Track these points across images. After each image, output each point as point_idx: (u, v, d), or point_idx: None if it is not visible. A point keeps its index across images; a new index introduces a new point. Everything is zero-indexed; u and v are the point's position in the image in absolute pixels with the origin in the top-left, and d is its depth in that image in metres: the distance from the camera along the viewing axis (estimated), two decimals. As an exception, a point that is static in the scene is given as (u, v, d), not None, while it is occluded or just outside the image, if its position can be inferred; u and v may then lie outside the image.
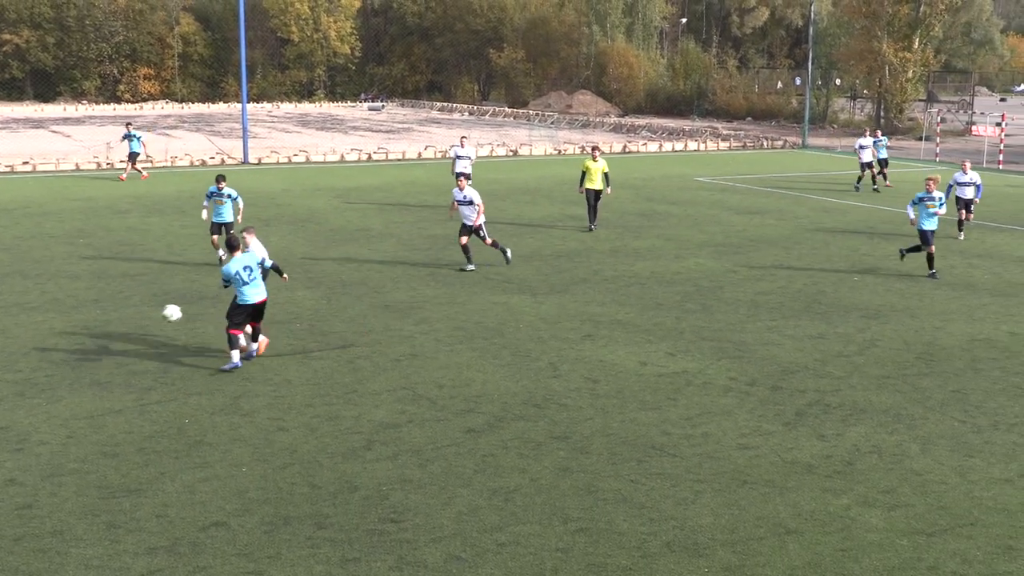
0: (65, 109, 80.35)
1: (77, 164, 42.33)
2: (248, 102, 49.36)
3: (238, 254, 15.62)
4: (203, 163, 44.40)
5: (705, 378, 15.29)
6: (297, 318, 18.51)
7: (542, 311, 19.18)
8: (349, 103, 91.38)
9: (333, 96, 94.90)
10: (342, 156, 47.07)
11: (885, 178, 37.32)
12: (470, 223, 22.42)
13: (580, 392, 14.62)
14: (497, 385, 14.91)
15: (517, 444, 12.66)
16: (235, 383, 14.90)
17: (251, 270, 15.52)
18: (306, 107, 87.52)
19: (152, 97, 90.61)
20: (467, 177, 31.17)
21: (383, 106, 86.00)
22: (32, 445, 12.57)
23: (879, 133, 37.77)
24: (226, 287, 16.08)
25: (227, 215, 22.71)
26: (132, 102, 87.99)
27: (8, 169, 40.95)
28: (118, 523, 10.52)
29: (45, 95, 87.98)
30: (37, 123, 65.92)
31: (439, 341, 17.17)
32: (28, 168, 41.29)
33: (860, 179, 37.00)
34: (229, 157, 45.65)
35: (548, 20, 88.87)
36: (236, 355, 15.51)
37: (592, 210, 27.72)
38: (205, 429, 13.14)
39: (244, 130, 46.14)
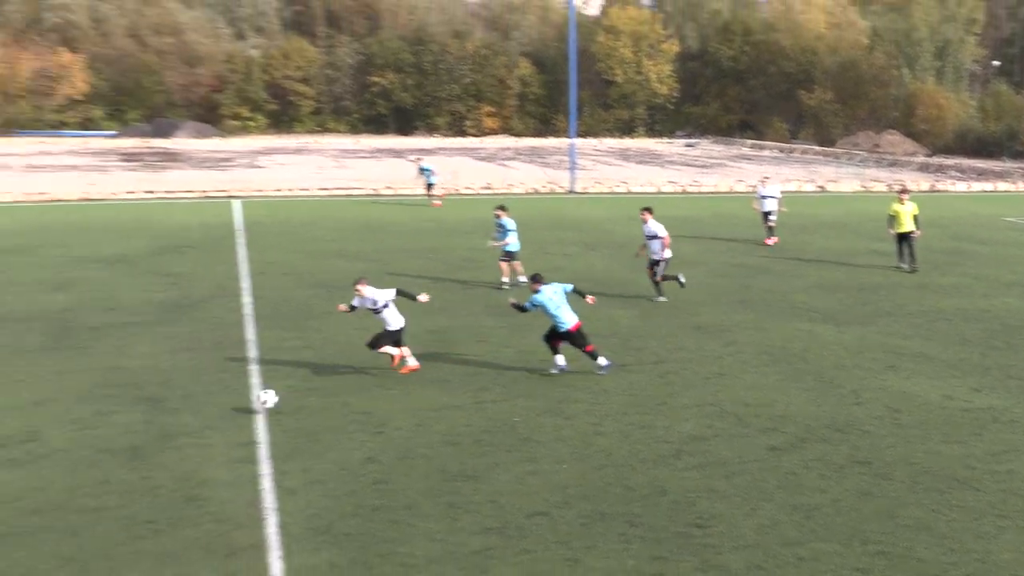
0: (420, 141, 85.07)
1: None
2: (575, 137, 50.46)
3: (541, 286, 15.83)
4: (535, 191, 45.77)
5: (1012, 416, 14.23)
6: (615, 334, 18.75)
7: (845, 340, 18.48)
8: (666, 139, 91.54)
9: (651, 132, 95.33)
10: (659, 188, 47.22)
11: None
12: (656, 257, 21.56)
13: (882, 420, 13.98)
14: (800, 408, 14.51)
15: (819, 465, 12.27)
16: (558, 389, 15.28)
17: (560, 295, 15.81)
18: (626, 142, 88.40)
19: (493, 132, 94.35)
20: (770, 215, 30.33)
21: (697, 143, 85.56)
22: (389, 430, 13.41)
23: None
24: (523, 311, 16.29)
25: (512, 244, 23.11)
26: (476, 136, 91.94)
27: (373, 192, 43.84)
28: (457, 504, 11.05)
29: (404, 129, 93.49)
30: (397, 153, 70.15)
31: (746, 363, 16.90)
32: (390, 192, 44.05)
33: None
34: (558, 187, 46.82)
35: (858, 63, 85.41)
36: (559, 359, 15.92)
37: (901, 248, 26.13)
38: (532, 428, 13.56)
39: (572, 162, 47.21)
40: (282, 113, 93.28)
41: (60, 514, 10.75)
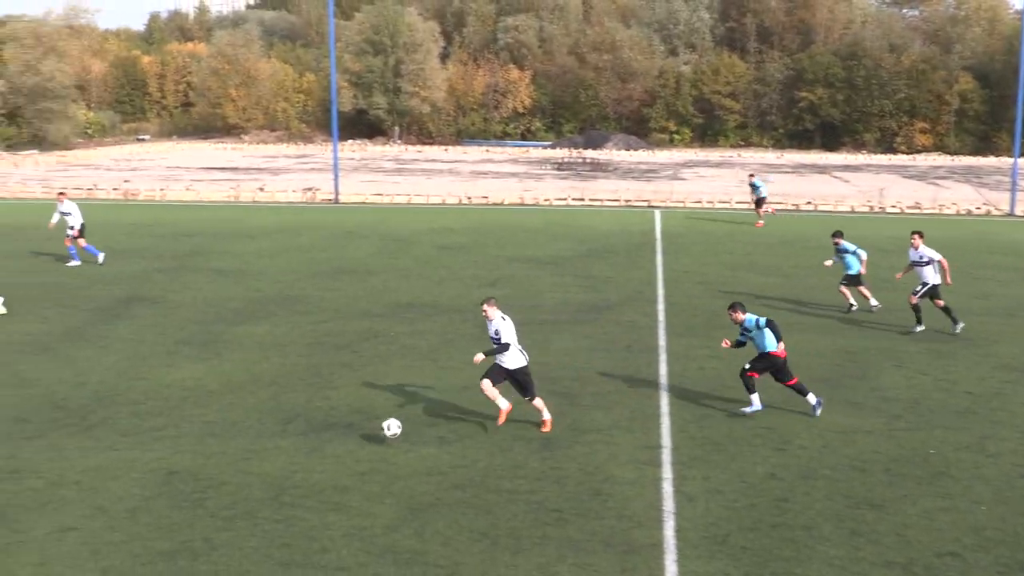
0: (846, 158, 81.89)
1: (852, 207, 42.92)
2: (1019, 156, 46.15)
3: (743, 316, 14.32)
4: (968, 213, 42.45)
5: None
6: (1052, 370, 16.89)
7: None
8: None
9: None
10: (1115, 214, 41.99)
11: None
12: (926, 281, 19.25)
13: None
14: None
15: None
16: (983, 424, 14.01)
17: (761, 327, 14.24)
18: (1080, 163, 79.53)
19: (925, 149, 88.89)
20: None
21: None
22: (793, 448, 12.98)
23: None
24: (741, 346, 14.68)
25: (853, 267, 21.31)
26: (906, 153, 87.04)
27: (793, 207, 42.77)
28: (860, 532, 10.46)
29: (830, 145, 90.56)
30: (821, 169, 67.99)
31: None
32: (809, 208, 42.81)
33: None
34: (995, 208, 43.12)
35: None
36: (755, 398, 14.37)
37: None
38: (949, 462, 12.54)
39: (1013, 183, 43.25)
40: (707, 127, 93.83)
41: (477, 492, 11.46)
